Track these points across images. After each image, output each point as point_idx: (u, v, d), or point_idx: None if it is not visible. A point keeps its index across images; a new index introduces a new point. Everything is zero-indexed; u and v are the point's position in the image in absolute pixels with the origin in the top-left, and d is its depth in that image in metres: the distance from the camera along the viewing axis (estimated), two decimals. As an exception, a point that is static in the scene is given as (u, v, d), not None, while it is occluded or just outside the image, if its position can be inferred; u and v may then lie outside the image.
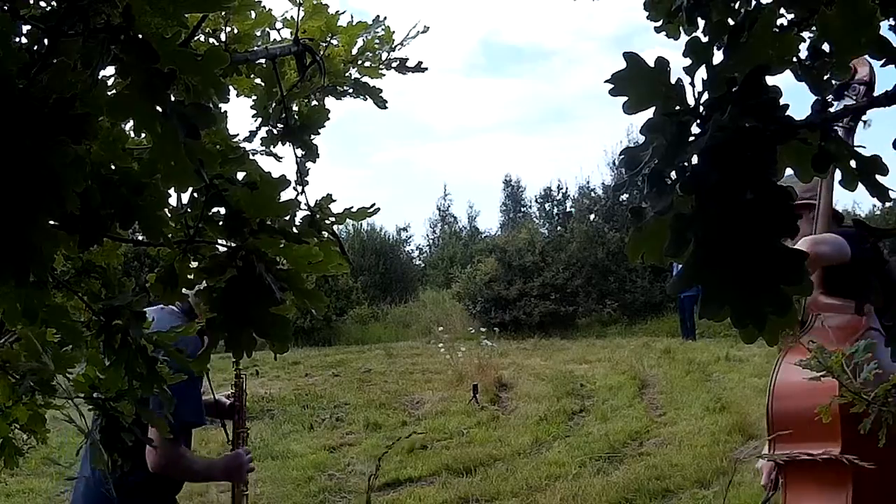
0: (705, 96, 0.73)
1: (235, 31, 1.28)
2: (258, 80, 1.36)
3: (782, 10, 0.83)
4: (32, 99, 0.71)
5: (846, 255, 2.46)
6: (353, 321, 17.82)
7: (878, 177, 0.73)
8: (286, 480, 6.64)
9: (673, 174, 0.72)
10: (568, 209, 25.69)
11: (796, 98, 0.76)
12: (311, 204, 1.26)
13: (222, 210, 0.94)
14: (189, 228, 0.96)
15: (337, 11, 1.33)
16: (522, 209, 32.61)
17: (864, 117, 2.02)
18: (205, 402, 2.81)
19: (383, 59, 1.40)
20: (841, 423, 2.24)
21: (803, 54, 0.77)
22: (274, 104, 1.35)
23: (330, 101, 1.40)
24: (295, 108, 1.36)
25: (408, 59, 1.41)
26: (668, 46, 1.12)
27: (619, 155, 0.79)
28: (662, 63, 0.73)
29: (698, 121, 0.73)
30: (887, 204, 0.82)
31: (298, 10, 1.30)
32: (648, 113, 0.74)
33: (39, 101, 0.72)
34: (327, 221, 1.26)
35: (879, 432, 1.69)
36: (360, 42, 1.38)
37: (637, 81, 0.73)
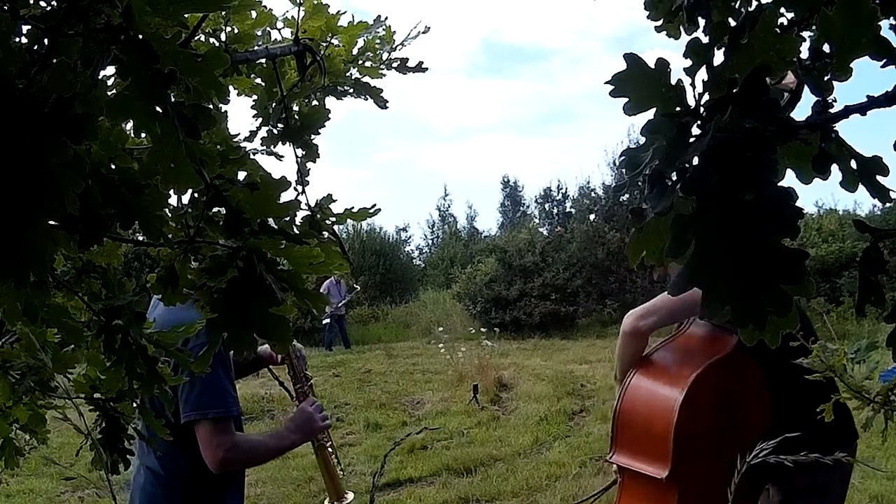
0: (706, 97, 0.73)
1: (235, 30, 1.27)
2: (258, 80, 1.36)
3: (782, 10, 0.83)
4: (32, 99, 0.71)
5: (685, 312, 2.48)
6: (354, 321, 17.83)
7: (878, 177, 0.73)
8: (286, 480, 6.63)
9: (673, 175, 0.72)
10: (568, 209, 25.72)
11: (797, 98, 0.76)
12: (312, 204, 1.26)
13: (223, 210, 0.93)
14: (189, 228, 0.96)
15: (338, 11, 1.33)
16: (521, 209, 32.63)
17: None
18: (245, 361, 2.65)
19: (384, 58, 1.40)
20: (673, 447, 2.29)
21: (803, 54, 0.77)
22: (274, 104, 1.34)
23: (330, 101, 1.40)
24: (295, 107, 1.36)
25: (408, 59, 1.41)
26: (669, 48, 1.12)
27: (620, 156, 0.79)
28: (663, 64, 0.73)
29: (699, 122, 0.73)
30: (887, 204, 0.82)
31: (299, 9, 1.30)
32: (649, 114, 0.74)
33: (39, 101, 0.71)
34: (328, 222, 1.26)
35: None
36: (360, 42, 1.38)
37: (637, 82, 0.73)
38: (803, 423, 2.05)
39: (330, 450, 2.57)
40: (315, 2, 1.30)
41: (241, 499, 2.50)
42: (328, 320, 15.13)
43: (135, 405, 1.30)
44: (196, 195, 0.94)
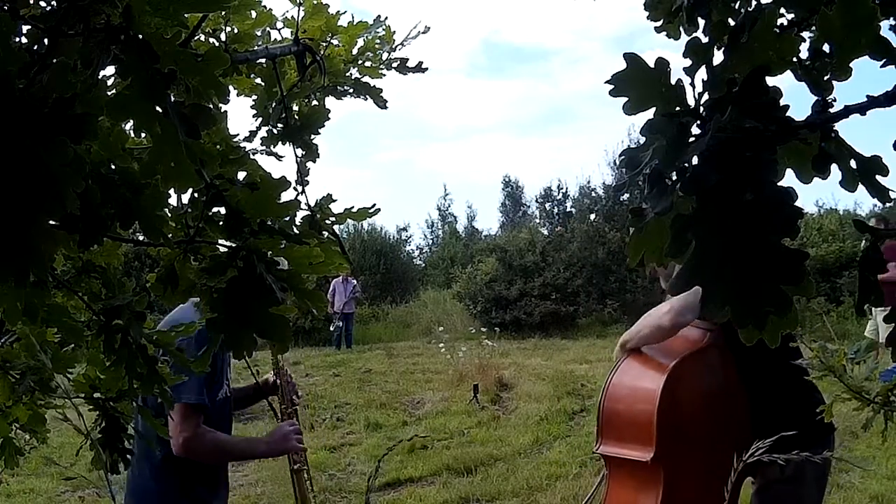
0: (705, 97, 0.73)
1: (235, 30, 1.27)
2: (258, 80, 1.36)
3: (782, 10, 0.83)
4: (32, 99, 0.71)
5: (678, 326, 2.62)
6: (354, 321, 17.82)
7: (878, 177, 0.73)
8: (287, 480, 6.62)
9: (673, 175, 0.72)
10: (568, 209, 25.72)
11: (796, 98, 0.76)
12: (312, 204, 1.26)
13: (222, 210, 0.94)
14: (189, 228, 0.96)
15: (337, 11, 1.33)
16: (522, 209, 32.63)
17: None
18: (247, 386, 2.86)
19: (384, 59, 1.40)
20: (656, 430, 2.42)
21: (803, 54, 0.77)
22: (274, 104, 1.34)
23: (330, 101, 1.40)
24: (295, 107, 1.36)
25: (408, 59, 1.41)
26: (669, 48, 1.12)
27: (620, 155, 0.79)
28: (662, 64, 0.73)
29: (698, 121, 0.73)
30: (887, 204, 0.82)
31: (299, 9, 1.30)
32: (649, 114, 0.74)
33: (39, 101, 0.71)
34: (328, 221, 1.26)
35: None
36: (360, 42, 1.38)
37: (637, 82, 0.73)
38: (779, 417, 2.11)
39: (305, 475, 2.73)
40: (315, 2, 1.30)
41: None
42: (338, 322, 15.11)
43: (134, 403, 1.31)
44: (196, 195, 0.94)
